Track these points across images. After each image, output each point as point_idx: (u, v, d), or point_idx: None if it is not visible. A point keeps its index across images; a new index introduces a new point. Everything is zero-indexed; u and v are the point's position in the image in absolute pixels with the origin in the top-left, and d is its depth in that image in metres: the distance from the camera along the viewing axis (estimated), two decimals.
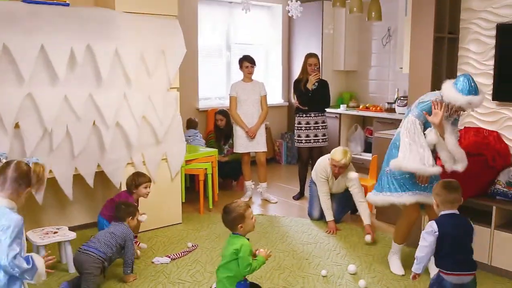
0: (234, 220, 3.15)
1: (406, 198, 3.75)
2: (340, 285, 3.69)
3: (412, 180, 3.74)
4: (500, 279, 3.78)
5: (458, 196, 2.92)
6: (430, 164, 3.55)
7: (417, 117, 3.64)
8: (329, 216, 4.91)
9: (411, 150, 3.58)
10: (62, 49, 4.02)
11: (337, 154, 4.84)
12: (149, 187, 4.31)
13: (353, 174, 4.95)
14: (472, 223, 2.95)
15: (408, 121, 3.68)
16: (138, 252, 4.13)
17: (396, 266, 3.94)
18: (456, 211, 2.91)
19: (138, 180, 4.25)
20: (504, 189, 3.93)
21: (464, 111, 3.69)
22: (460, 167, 3.67)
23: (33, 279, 2.48)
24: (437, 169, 3.60)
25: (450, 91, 3.54)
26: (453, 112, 3.64)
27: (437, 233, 2.81)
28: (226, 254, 3.11)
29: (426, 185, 3.73)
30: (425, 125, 3.67)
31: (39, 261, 2.51)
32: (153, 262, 4.04)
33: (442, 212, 2.91)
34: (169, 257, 4.11)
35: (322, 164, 5.00)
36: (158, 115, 4.68)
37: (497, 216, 3.84)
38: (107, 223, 4.05)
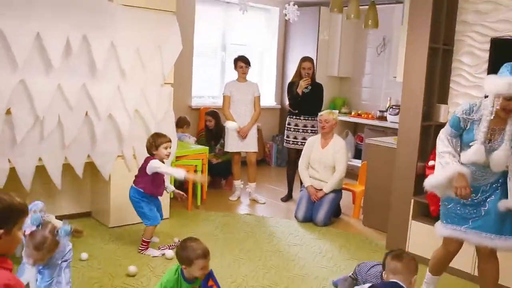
0: (181, 259, 2.90)
1: (439, 229, 3.30)
2: (323, 287, 3.70)
3: (453, 212, 3.22)
4: None
5: (401, 269, 2.58)
6: (447, 163, 3.07)
7: (444, 130, 3.22)
8: (306, 182, 5.39)
9: (437, 168, 3.18)
10: (58, 38, 4.00)
11: (321, 112, 5.50)
12: (170, 147, 4.17)
13: (340, 140, 5.40)
14: None
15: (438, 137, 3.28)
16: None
17: None
18: (397, 282, 2.56)
19: (157, 140, 4.10)
20: None
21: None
22: None
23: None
24: (452, 168, 3.03)
25: (493, 80, 2.97)
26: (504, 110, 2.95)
27: None
28: None
29: (470, 219, 3.16)
30: (462, 140, 3.18)
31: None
32: (146, 255, 4.09)
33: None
34: (163, 248, 4.18)
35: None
36: (151, 109, 4.68)
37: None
38: (134, 196, 4.14)
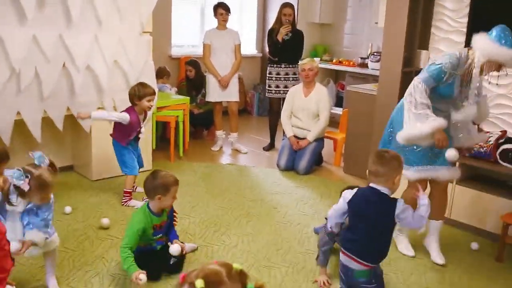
0: (156, 189, 3.01)
1: (409, 174, 3.32)
2: (305, 234, 3.80)
3: (418, 153, 3.32)
4: (459, 232, 3.95)
5: (383, 170, 2.41)
6: (428, 119, 3.11)
7: (424, 80, 3.16)
8: (288, 132, 5.40)
9: (411, 119, 3.17)
10: None
11: (304, 60, 5.40)
12: (153, 100, 4.13)
13: (322, 88, 5.42)
14: (399, 213, 2.42)
15: (411, 84, 3.22)
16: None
17: (404, 246, 3.57)
18: (378, 187, 2.44)
19: (141, 91, 4.02)
20: None
21: (499, 70, 3.14)
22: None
23: None
24: (437, 123, 3.10)
25: (489, 44, 3.02)
26: (487, 72, 3.14)
27: (346, 204, 2.51)
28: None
29: (437, 156, 3.32)
30: (436, 90, 3.21)
31: None
32: (130, 206, 4.11)
33: (370, 184, 2.49)
34: (146, 200, 4.14)
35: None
36: (129, 59, 4.59)
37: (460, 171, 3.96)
38: (115, 142, 4.17)
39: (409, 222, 2.46)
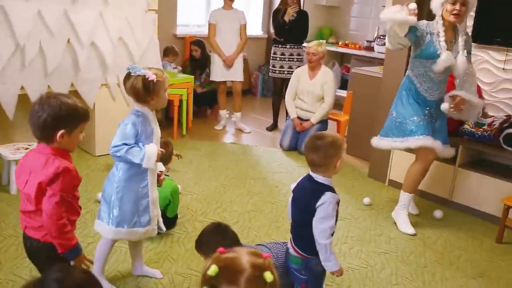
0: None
1: (411, 142, 3.50)
2: None
3: (419, 123, 3.49)
4: (460, 214, 3.96)
5: (318, 160, 2.21)
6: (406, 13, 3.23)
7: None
8: (292, 113, 5.37)
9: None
10: None
11: (311, 43, 5.31)
12: None
13: (328, 71, 5.37)
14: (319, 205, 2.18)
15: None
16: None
17: (406, 224, 3.61)
18: (315, 175, 2.25)
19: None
20: (472, 129, 4.04)
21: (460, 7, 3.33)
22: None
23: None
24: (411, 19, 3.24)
25: None
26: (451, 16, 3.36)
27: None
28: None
29: (432, 129, 3.53)
30: (421, 55, 3.48)
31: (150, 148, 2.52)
32: None
33: (309, 172, 2.31)
34: None
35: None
36: (135, 36, 4.59)
37: (462, 155, 3.98)
38: None
39: (315, 224, 2.20)
